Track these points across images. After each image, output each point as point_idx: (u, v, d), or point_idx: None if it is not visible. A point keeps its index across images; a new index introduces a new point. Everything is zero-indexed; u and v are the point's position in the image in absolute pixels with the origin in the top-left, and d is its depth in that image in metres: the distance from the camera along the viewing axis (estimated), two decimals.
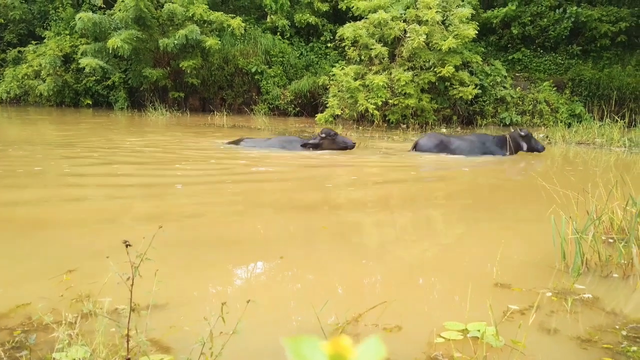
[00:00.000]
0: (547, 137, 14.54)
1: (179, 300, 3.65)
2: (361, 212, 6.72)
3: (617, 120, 15.29)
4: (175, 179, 8.14)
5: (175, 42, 19.88)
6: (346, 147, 11.45)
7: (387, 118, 17.29)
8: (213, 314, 2.52)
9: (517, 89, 19.21)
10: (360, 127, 17.10)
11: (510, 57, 21.43)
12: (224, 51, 21.52)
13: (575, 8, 20.43)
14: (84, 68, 20.90)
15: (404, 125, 17.19)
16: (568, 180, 8.21)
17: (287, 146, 11.43)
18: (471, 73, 18.03)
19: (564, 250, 4.42)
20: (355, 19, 18.52)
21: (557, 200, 5.30)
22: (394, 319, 3.38)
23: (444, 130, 16.94)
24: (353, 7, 18.70)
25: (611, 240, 4.95)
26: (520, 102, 18.98)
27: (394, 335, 3.20)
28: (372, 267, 4.57)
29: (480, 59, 18.48)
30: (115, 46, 19.43)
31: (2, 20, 25.61)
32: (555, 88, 19.53)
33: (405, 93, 16.62)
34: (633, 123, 16.22)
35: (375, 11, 17.45)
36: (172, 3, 20.29)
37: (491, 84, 18.60)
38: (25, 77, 23.40)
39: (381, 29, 17.38)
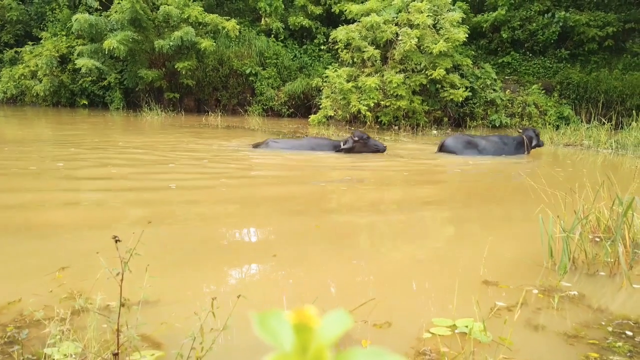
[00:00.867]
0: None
1: (170, 296, 3.63)
2: (354, 214, 6.71)
3: (604, 123, 15.35)
4: (210, 185, 7.96)
5: (171, 43, 19.81)
6: (378, 150, 11.28)
7: (379, 119, 17.29)
8: (204, 310, 2.49)
9: (507, 92, 19.26)
10: (352, 128, 17.09)
11: (500, 61, 21.49)
12: (219, 53, 21.46)
13: (563, 13, 20.52)
14: (80, 69, 20.78)
15: (396, 127, 17.20)
16: (556, 181, 8.23)
17: (317, 148, 11.20)
18: (462, 76, 18.06)
19: (551, 249, 4.43)
20: (348, 22, 18.55)
21: (546, 200, 5.30)
22: (383, 315, 3.37)
23: (434, 132, 16.97)
24: (346, 10, 18.73)
25: (598, 239, 4.97)
26: (510, 105, 19.04)
27: (383, 331, 3.19)
28: (363, 265, 4.56)
29: (471, 62, 18.52)
30: (111, 47, 19.34)
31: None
32: (543, 91, 19.59)
33: (397, 95, 16.64)
34: (620, 125, 16.30)
35: (367, 14, 17.47)
36: (168, 5, 20.22)
37: (481, 86, 18.64)
38: (22, 77, 23.25)
39: (373, 32, 17.38)
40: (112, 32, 20.39)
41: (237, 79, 21.83)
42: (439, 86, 17.45)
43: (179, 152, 10.84)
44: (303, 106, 21.04)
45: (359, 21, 17.71)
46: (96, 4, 22.44)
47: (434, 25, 17.21)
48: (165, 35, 20.46)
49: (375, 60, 17.21)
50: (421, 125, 17.41)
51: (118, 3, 20.12)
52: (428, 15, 16.63)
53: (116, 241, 2.49)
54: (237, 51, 21.71)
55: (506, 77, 20.54)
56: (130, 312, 3.06)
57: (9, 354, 2.80)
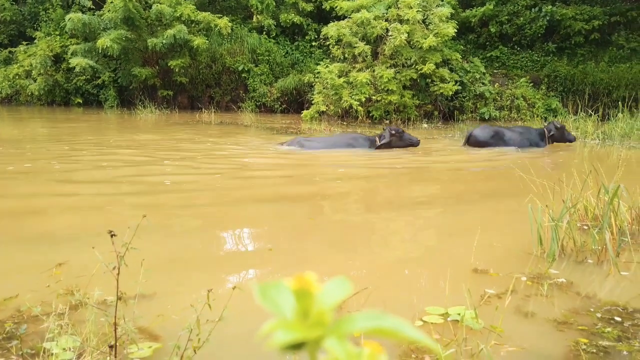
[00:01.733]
0: None
1: (166, 289, 3.63)
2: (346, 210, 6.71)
3: (591, 115, 15.40)
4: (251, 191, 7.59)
5: (164, 41, 19.71)
6: (412, 144, 11.17)
7: (370, 114, 17.29)
8: (200, 303, 2.49)
9: (496, 85, 19.29)
10: (344, 123, 17.12)
11: (488, 55, 21.50)
12: (212, 50, 21.37)
13: (550, 7, 20.53)
14: (74, 67, 20.64)
15: (387, 121, 17.18)
16: (545, 171, 8.27)
17: (353, 144, 10.94)
18: (451, 70, 18.05)
19: (540, 238, 4.45)
20: (339, 18, 18.47)
21: (535, 189, 5.33)
22: (377, 304, 3.39)
23: (425, 125, 16.99)
24: (337, 7, 18.65)
25: (586, 227, 4.99)
26: (499, 98, 19.06)
27: None
28: (358, 256, 4.57)
29: (460, 56, 18.53)
30: (105, 46, 19.23)
31: None
32: (531, 84, 19.62)
33: (387, 89, 16.63)
34: (606, 117, 16.34)
35: (358, 11, 17.41)
36: (160, 4, 20.09)
37: (470, 80, 18.65)
38: (16, 77, 23.09)
39: (364, 28, 17.35)
40: (106, 31, 20.27)
41: (230, 76, 21.76)
42: (429, 80, 17.45)
43: (210, 151, 10.69)
44: (295, 102, 20.99)
45: (350, 17, 17.65)
46: (89, 3, 22.26)
47: (424, 21, 17.18)
48: (158, 33, 20.36)
49: (366, 56, 17.20)
50: (412, 119, 17.42)
51: (111, 2, 19.98)
52: (417, 11, 16.60)
53: (112, 235, 2.48)
54: (230, 48, 21.62)
55: (495, 71, 20.54)
56: (127, 306, 3.06)
57: (7, 349, 2.79)
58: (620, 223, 4.69)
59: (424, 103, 17.99)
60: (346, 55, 17.68)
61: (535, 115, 18.23)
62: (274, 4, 21.87)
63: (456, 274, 3.93)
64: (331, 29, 17.69)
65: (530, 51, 21.45)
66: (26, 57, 22.99)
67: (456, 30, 17.30)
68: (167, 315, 3.16)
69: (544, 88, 19.75)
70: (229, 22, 20.85)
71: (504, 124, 17.05)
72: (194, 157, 9.74)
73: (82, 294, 3.15)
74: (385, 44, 17.09)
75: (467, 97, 18.59)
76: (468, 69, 18.79)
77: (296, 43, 22.97)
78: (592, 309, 3.44)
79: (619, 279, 4.01)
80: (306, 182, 8.09)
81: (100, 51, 19.91)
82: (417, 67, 16.86)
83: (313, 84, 18.61)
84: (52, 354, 2.58)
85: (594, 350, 2.89)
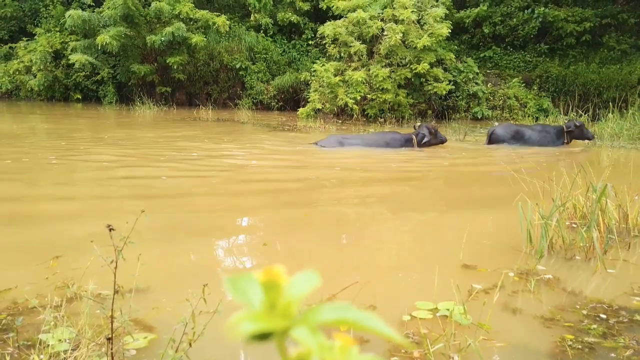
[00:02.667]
0: None
1: (162, 283, 3.63)
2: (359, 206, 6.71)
3: (581, 115, 15.45)
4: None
5: (162, 39, 19.65)
6: (442, 142, 11.16)
7: (365, 112, 17.30)
8: (195, 296, 2.49)
9: (488, 85, 19.31)
10: (340, 121, 17.12)
11: (481, 55, 21.51)
12: (209, 48, 21.31)
13: (542, 9, 20.56)
14: (73, 64, 20.55)
15: (382, 119, 17.20)
16: (535, 170, 8.28)
17: (391, 143, 10.74)
18: (445, 70, 18.07)
19: (530, 235, 4.46)
20: (335, 17, 18.45)
21: (525, 188, 5.35)
22: (368, 299, 3.39)
23: (418, 124, 16.96)
24: (333, 6, 18.63)
25: (574, 226, 5.01)
26: (491, 98, 19.10)
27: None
28: (350, 252, 4.58)
29: (454, 56, 18.53)
30: (104, 43, 19.14)
31: None
32: (524, 84, 19.65)
33: (382, 88, 16.64)
34: (597, 117, 16.40)
35: (354, 10, 17.40)
36: (159, 1, 20.01)
37: (464, 80, 18.66)
38: (17, 73, 22.97)
39: (360, 27, 17.33)
40: (105, 28, 20.17)
41: (228, 74, 21.71)
42: (423, 80, 17.45)
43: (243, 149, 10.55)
44: (292, 100, 20.98)
45: (346, 17, 17.63)
46: (89, 1, 22.17)
47: (418, 21, 17.18)
48: (156, 30, 20.29)
49: (362, 55, 17.19)
50: (406, 117, 17.44)
51: None
52: (412, 11, 16.60)
53: (110, 230, 2.48)
54: (227, 46, 21.57)
55: (488, 71, 20.56)
56: (123, 299, 3.06)
57: (4, 340, 2.78)
58: (608, 221, 4.72)
59: (418, 102, 18.00)
60: (342, 54, 17.67)
61: (527, 115, 18.28)
62: (272, 2, 21.84)
63: (446, 269, 3.95)
64: (327, 28, 17.68)
65: (522, 52, 21.48)
66: (26, 53, 22.87)
67: (450, 31, 17.31)
68: (163, 308, 3.16)
69: (535, 88, 19.78)
70: (227, 20, 20.81)
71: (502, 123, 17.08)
72: (197, 155, 9.73)
73: (78, 286, 3.15)
74: (380, 43, 17.08)
75: (461, 97, 18.61)
76: (461, 68, 18.80)
77: (293, 42, 22.94)
78: (578, 306, 3.45)
79: (606, 276, 4.03)
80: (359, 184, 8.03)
81: (99, 48, 19.84)
82: (411, 66, 16.86)
83: (309, 82, 18.60)
84: (48, 346, 2.58)
85: (580, 347, 2.91)
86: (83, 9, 21.28)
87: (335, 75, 16.89)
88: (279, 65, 21.68)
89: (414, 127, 11.52)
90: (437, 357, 2.74)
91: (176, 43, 20.45)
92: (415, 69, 16.73)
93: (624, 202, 5.09)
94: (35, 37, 23.48)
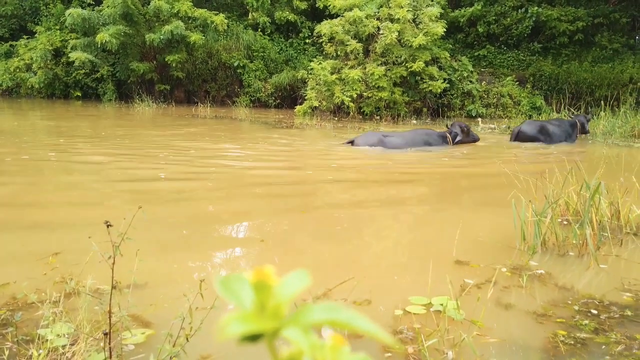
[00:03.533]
0: (508, 127, 14.65)
1: (160, 279, 3.61)
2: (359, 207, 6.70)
3: (573, 113, 15.45)
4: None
5: (161, 37, 19.58)
6: (475, 140, 11.15)
7: (361, 110, 17.29)
8: (192, 292, 2.48)
9: (483, 84, 19.31)
10: (336, 118, 17.11)
11: (476, 54, 21.50)
12: (208, 46, 21.27)
13: (536, 8, 20.57)
14: (73, 61, 20.47)
15: (378, 117, 17.21)
16: (528, 167, 8.29)
17: (430, 141, 10.56)
18: (440, 68, 18.05)
19: (523, 232, 4.46)
20: (332, 16, 18.42)
21: (518, 185, 5.34)
22: (364, 293, 3.39)
23: (414, 121, 17.00)
24: (330, 5, 18.59)
25: (567, 222, 5.01)
26: (486, 96, 19.10)
27: (363, 308, 3.20)
28: (346, 248, 4.57)
29: (449, 55, 18.51)
30: (104, 41, 19.07)
31: None
32: (517, 82, 19.67)
33: (378, 86, 16.63)
34: (589, 115, 16.42)
35: (350, 9, 17.37)
36: (158, 0, 19.97)
37: (458, 78, 18.66)
38: (17, 70, 22.87)
39: (356, 26, 17.31)
40: (105, 26, 20.09)
41: (226, 71, 21.67)
42: (419, 78, 17.44)
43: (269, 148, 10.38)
44: (289, 97, 20.95)
45: (342, 16, 17.61)
46: None
47: (414, 20, 17.16)
48: (155, 29, 20.23)
49: (358, 53, 17.18)
50: (401, 115, 17.45)
51: None
52: (408, 10, 16.59)
53: (108, 226, 2.47)
54: (226, 44, 21.53)
55: (482, 70, 20.56)
56: (121, 294, 3.04)
57: (3, 335, 2.77)
58: (601, 218, 4.72)
59: (414, 100, 17.99)
60: (338, 53, 17.65)
61: (521, 113, 18.30)
62: (269, 1, 21.82)
63: (440, 265, 3.94)
64: (324, 27, 17.66)
65: (516, 51, 21.49)
66: (27, 50, 22.78)
67: (445, 30, 17.29)
68: (160, 304, 3.15)
69: (529, 86, 19.80)
70: (225, 19, 20.74)
71: (495, 120, 17.11)
72: (195, 153, 9.70)
73: (77, 282, 3.14)
74: (376, 42, 17.07)
75: (455, 95, 18.62)
76: (456, 67, 18.81)
77: (290, 40, 22.92)
78: (570, 301, 3.45)
79: (597, 272, 4.03)
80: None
81: (99, 46, 19.75)
82: (407, 65, 16.86)
83: (306, 80, 18.57)
84: (46, 340, 2.56)
85: (572, 343, 2.90)
86: (83, 8, 21.21)
87: (331, 74, 16.89)
88: (276, 64, 21.66)
89: (446, 125, 11.45)
90: (431, 353, 2.73)
91: (175, 41, 20.39)
92: (411, 67, 16.72)
93: (616, 199, 5.09)
94: (36, 35, 23.39)
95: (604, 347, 2.88)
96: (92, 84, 22.77)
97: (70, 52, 20.60)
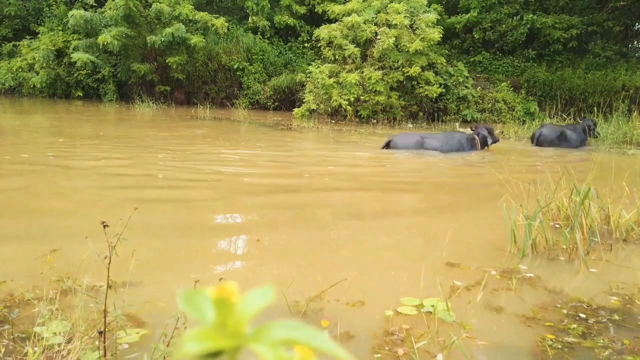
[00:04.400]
0: (502, 132, 14.67)
1: (155, 278, 3.60)
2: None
3: (565, 119, 15.49)
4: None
5: (162, 39, 19.58)
6: (496, 141, 11.19)
7: (358, 113, 17.31)
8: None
9: (478, 89, 19.34)
10: (333, 121, 17.12)
11: (471, 60, 21.54)
12: (208, 49, 21.27)
13: (531, 15, 20.61)
14: (75, 62, 20.45)
15: (374, 120, 17.22)
16: (520, 172, 8.29)
17: (464, 145, 10.47)
18: (436, 73, 18.07)
19: (514, 235, 4.46)
20: (331, 21, 18.45)
21: (510, 189, 5.35)
22: (357, 295, 3.38)
23: (410, 125, 17.02)
24: (328, 10, 18.63)
25: (558, 227, 5.02)
26: (481, 101, 19.13)
27: (356, 309, 3.20)
28: (341, 250, 4.56)
29: (445, 60, 18.54)
30: (106, 42, 19.05)
31: None
32: (512, 88, 19.71)
33: (375, 90, 16.65)
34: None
35: (349, 15, 17.40)
36: (160, 3, 19.94)
37: (454, 83, 18.70)
38: (20, 70, 22.81)
39: (354, 31, 17.33)
40: (107, 28, 20.07)
41: (225, 74, 21.66)
42: (415, 83, 17.46)
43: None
44: (287, 100, 20.95)
45: (341, 21, 17.63)
46: (91, 1, 22.06)
47: (411, 26, 17.19)
48: (157, 31, 20.22)
49: (356, 58, 17.19)
50: (398, 119, 17.47)
51: (112, 0, 19.85)
52: (405, 16, 16.61)
53: (104, 226, 2.46)
54: (226, 47, 21.53)
55: (477, 75, 20.60)
56: (116, 294, 3.03)
57: None
58: (591, 223, 4.72)
59: (410, 104, 18.01)
60: (336, 57, 17.66)
61: (515, 118, 18.33)
62: (269, 6, 21.84)
63: (431, 267, 3.94)
64: (323, 31, 17.68)
65: (511, 57, 21.54)
66: (29, 50, 22.74)
67: (441, 36, 17.33)
68: (155, 303, 3.14)
69: (523, 92, 19.84)
70: (226, 22, 20.75)
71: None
72: (193, 153, 9.68)
73: (73, 280, 3.13)
74: (374, 46, 17.09)
75: (451, 100, 18.65)
76: (452, 72, 18.84)
77: (289, 44, 22.94)
78: (558, 305, 3.44)
79: (586, 276, 4.03)
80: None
81: (101, 47, 19.73)
82: (403, 69, 16.88)
83: (304, 84, 18.59)
84: (42, 338, 2.55)
85: (560, 347, 2.90)
86: (85, 9, 21.19)
87: (329, 77, 16.90)
88: (275, 67, 21.67)
89: (471, 128, 11.39)
90: (421, 355, 2.73)
91: (176, 43, 20.38)
92: (407, 72, 16.74)
93: (606, 204, 5.10)
94: (39, 35, 23.34)
95: (591, 351, 2.88)
96: (94, 84, 22.74)
97: (72, 52, 20.58)
